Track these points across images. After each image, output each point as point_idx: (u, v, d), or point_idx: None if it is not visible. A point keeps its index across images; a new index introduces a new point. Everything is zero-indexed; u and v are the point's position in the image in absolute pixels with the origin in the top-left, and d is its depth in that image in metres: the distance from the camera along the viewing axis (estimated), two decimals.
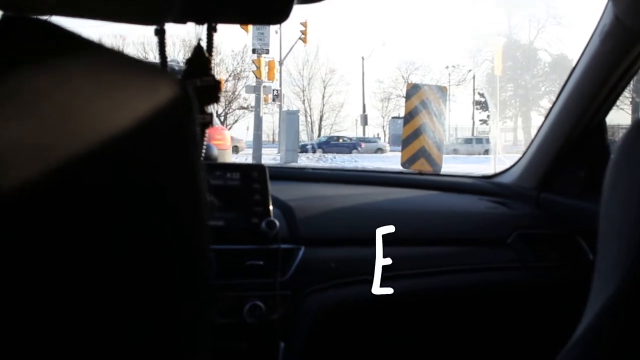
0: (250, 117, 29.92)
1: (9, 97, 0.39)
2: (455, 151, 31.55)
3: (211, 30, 1.23)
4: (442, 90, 9.94)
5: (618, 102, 1.97)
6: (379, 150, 34.77)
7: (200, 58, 1.23)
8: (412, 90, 9.42)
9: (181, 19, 1.19)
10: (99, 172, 0.43)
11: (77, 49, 0.46)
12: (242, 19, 1.28)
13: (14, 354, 0.39)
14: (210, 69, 1.23)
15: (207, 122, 1.27)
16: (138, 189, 0.46)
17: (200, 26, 1.23)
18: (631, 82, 1.93)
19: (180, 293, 0.50)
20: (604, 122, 2.05)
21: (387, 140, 38.56)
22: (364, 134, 38.89)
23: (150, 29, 1.15)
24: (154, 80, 0.50)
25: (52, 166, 0.41)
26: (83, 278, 0.42)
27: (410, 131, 9.10)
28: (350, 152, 32.24)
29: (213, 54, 1.25)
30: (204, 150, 1.36)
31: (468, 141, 35.05)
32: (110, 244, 0.44)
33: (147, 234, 0.47)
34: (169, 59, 1.30)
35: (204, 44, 1.24)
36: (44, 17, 0.68)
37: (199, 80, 1.21)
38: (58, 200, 0.41)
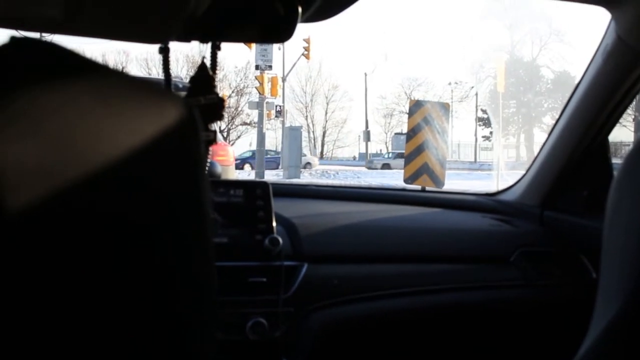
0: (253, 133, 29.96)
1: (14, 117, 0.40)
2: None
3: (215, 49, 1.24)
4: (445, 107, 9.97)
5: (621, 120, 1.98)
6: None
7: (204, 76, 1.24)
8: (415, 107, 9.45)
9: (185, 38, 1.19)
10: (104, 195, 0.43)
11: (83, 70, 0.46)
12: (247, 38, 1.29)
13: None
14: (214, 87, 1.24)
15: (211, 139, 1.28)
16: (143, 212, 0.46)
17: (204, 44, 1.24)
18: (634, 101, 1.93)
19: (185, 313, 0.50)
20: (607, 141, 2.05)
21: (389, 156, 38.65)
22: (366, 149, 38.89)
23: (155, 46, 1.16)
24: (160, 101, 0.50)
25: (56, 188, 0.40)
26: (86, 303, 0.42)
27: (412, 147, 9.14)
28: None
29: (217, 72, 1.26)
30: (207, 166, 1.36)
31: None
32: (114, 268, 0.44)
33: (152, 255, 0.47)
34: (172, 76, 1.31)
35: (207, 62, 1.25)
36: (48, 36, 0.69)
37: (202, 98, 1.22)
38: (62, 223, 0.41)
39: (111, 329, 0.44)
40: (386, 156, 38.96)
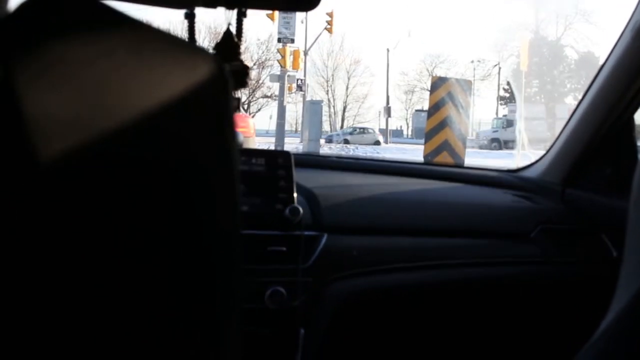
0: (273, 106, 29.95)
1: (48, 67, 0.40)
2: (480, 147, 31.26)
3: (241, 16, 1.23)
4: (468, 84, 9.89)
5: None
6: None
7: (230, 43, 1.23)
8: (439, 82, 9.39)
9: (212, 4, 1.19)
10: (138, 146, 0.44)
11: (118, 23, 0.46)
12: (273, 5, 1.28)
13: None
14: (239, 54, 1.24)
15: (235, 106, 1.28)
16: (176, 164, 0.46)
17: (230, 11, 1.23)
18: None
19: (215, 275, 0.50)
20: (632, 120, 2.03)
21: (410, 133, 37.92)
22: (386, 125, 38.69)
23: (175, 16, 1.15)
24: (193, 58, 0.50)
25: (89, 138, 0.41)
26: (121, 253, 0.43)
27: (434, 124, 9.09)
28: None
29: (242, 39, 1.26)
30: None
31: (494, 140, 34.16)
32: (148, 220, 0.44)
33: (184, 210, 0.47)
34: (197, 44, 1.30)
35: (232, 29, 1.25)
36: None
37: (228, 65, 1.22)
38: (96, 173, 0.41)
39: (144, 280, 0.44)
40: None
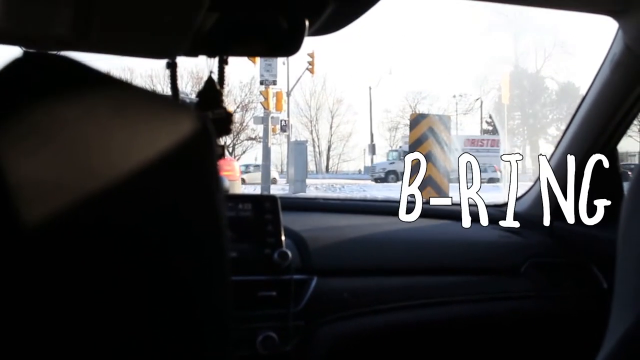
0: (258, 148, 29.94)
1: (29, 131, 0.39)
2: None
3: (222, 63, 1.24)
4: (446, 120, 9.96)
5: (628, 130, 1.97)
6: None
7: (212, 90, 1.24)
8: (419, 118, 9.46)
9: (193, 53, 1.20)
10: (119, 208, 0.43)
11: (100, 83, 0.46)
12: (254, 52, 1.29)
13: None
14: (221, 101, 1.24)
15: (220, 153, 1.28)
16: (159, 224, 0.46)
17: (212, 59, 1.24)
18: None
19: (203, 329, 0.50)
20: (616, 150, 2.04)
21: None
22: (371, 163, 38.74)
23: (159, 62, 1.16)
24: (175, 114, 0.50)
25: (72, 201, 0.40)
26: (103, 317, 0.42)
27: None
28: None
29: (224, 86, 1.26)
30: None
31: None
32: (132, 282, 0.44)
33: (171, 269, 0.46)
34: (179, 92, 1.31)
35: (214, 76, 1.25)
36: (55, 52, 0.69)
37: (210, 112, 1.22)
38: (78, 236, 0.41)
39: (126, 344, 0.44)
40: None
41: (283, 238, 1.74)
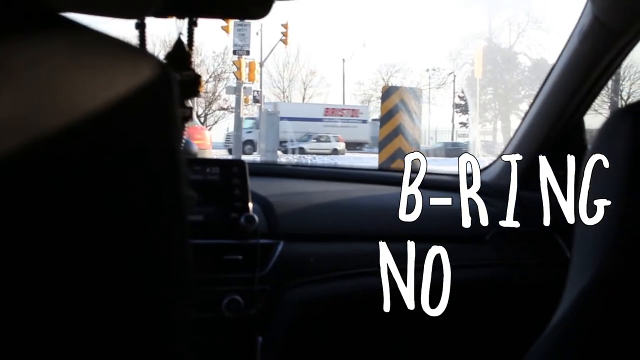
0: (230, 118, 29.61)
1: None
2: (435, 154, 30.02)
3: (192, 25, 1.23)
4: (417, 92, 9.98)
5: (596, 107, 1.99)
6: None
7: (181, 52, 1.23)
8: (391, 90, 9.46)
9: (162, 13, 1.18)
10: (79, 146, 0.43)
11: (58, 27, 0.46)
12: (224, 13, 1.28)
13: None
14: (190, 63, 1.23)
15: (187, 115, 1.27)
16: (119, 166, 0.46)
17: (181, 20, 1.23)
18: (609, 83, 1.95)
19: (159, 281, 0.50)
20: (582, 121, 2.06)
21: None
22: None
23: (129, 28, 1.14)
24: (136, 61, 0.50)
25: (32, 139, 0.41)
26: (59, 257, 0.42)
27: (387, 132, 9.15)
28: None
29: (193, 48, 1.25)
30: (183, 144, 1.35)
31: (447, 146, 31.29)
32: (89, 223, 0.44)
33: (128, 212, 0.46)
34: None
35: (184, 38, 1.24)
36: None
37: (179, 74, 1.21)
38: (38, 173, 0.41)
39: (81, 289, 0.43)
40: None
41: (250, 203, 1.74)
